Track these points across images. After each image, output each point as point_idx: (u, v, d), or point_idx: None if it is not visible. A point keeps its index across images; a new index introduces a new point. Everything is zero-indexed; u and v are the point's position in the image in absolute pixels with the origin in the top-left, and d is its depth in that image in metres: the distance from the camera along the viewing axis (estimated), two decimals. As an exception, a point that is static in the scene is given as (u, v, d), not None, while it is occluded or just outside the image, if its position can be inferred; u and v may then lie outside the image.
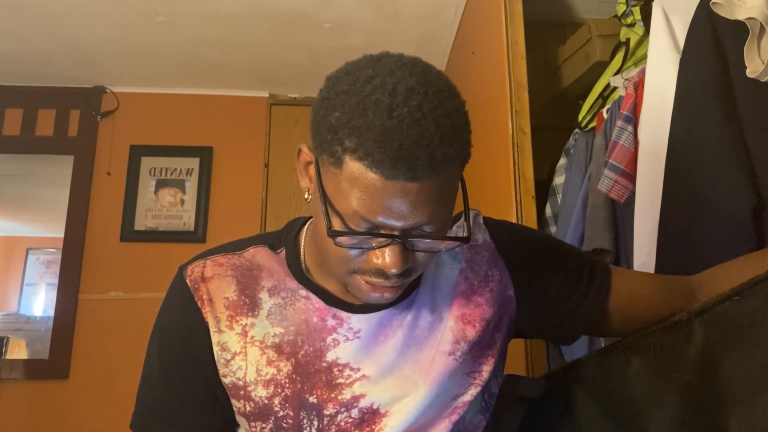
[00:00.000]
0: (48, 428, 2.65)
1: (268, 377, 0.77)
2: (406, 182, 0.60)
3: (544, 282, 0.85)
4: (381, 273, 0.67)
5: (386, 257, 0.65)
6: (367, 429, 0.77)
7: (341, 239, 0.65)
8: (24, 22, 2.50)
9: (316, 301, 0.79)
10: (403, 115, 0.59)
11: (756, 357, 0.65)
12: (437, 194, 0.62)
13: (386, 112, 0.59)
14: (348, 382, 0.77)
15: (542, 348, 1.63)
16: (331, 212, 0.65)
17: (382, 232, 0.64)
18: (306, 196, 0.73)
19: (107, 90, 3.07)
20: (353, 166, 0.61)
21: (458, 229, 0.86)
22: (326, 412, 0.76)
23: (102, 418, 2.59)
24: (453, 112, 0.62)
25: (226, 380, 0.78)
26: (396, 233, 0.64)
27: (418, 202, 0.61)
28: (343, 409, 0.76)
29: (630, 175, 1.39)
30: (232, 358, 0.78)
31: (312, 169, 0.71)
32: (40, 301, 4.80)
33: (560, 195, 1.82)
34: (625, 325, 0.86)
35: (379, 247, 0.65)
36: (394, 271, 0.66)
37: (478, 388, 0.81)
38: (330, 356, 0.77)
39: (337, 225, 0.65)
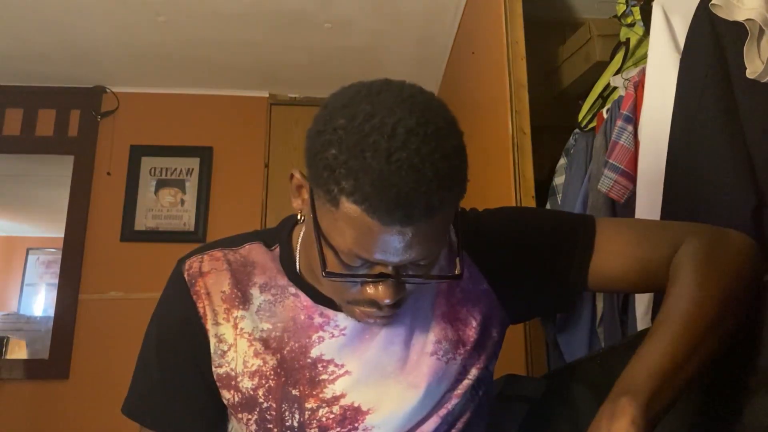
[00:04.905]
0: (48, 428, 2.65)
1: (253, 369, 0.79)
2: (402, 227, 0.61)
3: (518, 267, 0.83)
4: (374, 303, 0.70)
5: (380, 290, 0.68)
6: (349, 426, 0.78)
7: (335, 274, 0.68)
8: (24, 21, 2.50)
9: (305, 299, 0.80)
10: (402, 159, 0.58)
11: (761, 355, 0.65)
12: (432, 234, 0.64)
13: (384, 156, 0.59)
14: (332, 378, 0.78)
15: (542, 348, 1.63)
16: (325, 247, 0.67)
17: (377, 268, 0.66)
18: (299, 217, 0.76)
19: (107, 90, 3.07)
20: (350, 208, 0.61)
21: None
22: (308, 406, 0.78)
23: (102, 418, 2.58)
24: (452, 151, 0.62)
25: (220, 371, 0.80)
26: (390, 270, 0.66)
27: (413, 242, 0.63)
28: (324, 405, 0.78)
29: (630, 175, 1.39)
30: (228, 349, 0.80)
31: (304, 192, 0.72)
32: (40, 301, 4.79)
33: (560, 195, 1.82)
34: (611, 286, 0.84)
35: (373, 282, 0.68)
36: (387, 302, 0.68)
37: (466, 385, 0.81)
38: (314, 353, 0.79)
39: (331, 259, 0.67)
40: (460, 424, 0.82)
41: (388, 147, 0.59)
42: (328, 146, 0.62)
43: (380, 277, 0.67)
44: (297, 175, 0.73)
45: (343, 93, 0.66)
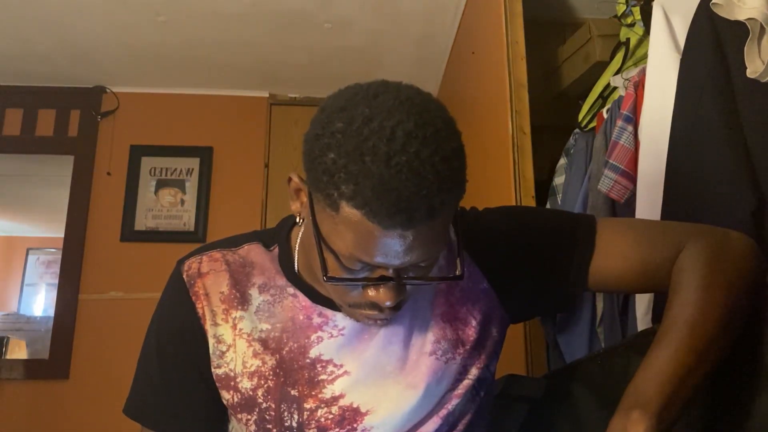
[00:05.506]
0: (48, 428, 2.65)
1: (252, 369, 0.79)
2: (404, 231, 0.61)
3: (518, 266, 0.83)
4: (375, 306, 0.70)
5: (381, 293, 0.68)
6: (348, 426, 0.78)
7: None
8: (24, 22, 2.50)
9: (303, 299, 0.81)
10: (402, 163, 0.58)
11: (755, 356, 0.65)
12: (433, 235, 0.64)
13: (384, 160, 0.58)
14: (330, 378, 0.78)
15: (542, 348, 1.63)
16: (326, 251, 0.67)
17: (378, 271, 0.66)
18: (297, 220, 0.76)
19: (107, 90, 3.07)
20: (350, 212, 0.61)
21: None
22: (306, 406, 0.78)
23: (102, 418, 2.58)
24: (451, 153, 0.61)
25: (219, 371, 0.80)
26: (390, 272, 0.66)
27: (414, 245, 0.63)
28: (323, 405, 0.78)
29: (630, 175, 1.39)
30: (227, 350, 0.80)
31: (303, 195, 0.72)
32: (40, 301, 4.80)
33: (560, 195, 1.82)
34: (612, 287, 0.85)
35: (374, 285, 0.68)
36: (388, 304, 0.68)
37: (467, 385, 0.81)
38: (313, 353, 0.79)
39: (331, 262, 0.67)
40: (461, 425, 0.82)
41: (388, 151, 0.58)
42: (327, 150, 0.61)
43: (381, 280, 0.67)
44: (295, 179, 0.72)
45: (340, 95, 0.66)
